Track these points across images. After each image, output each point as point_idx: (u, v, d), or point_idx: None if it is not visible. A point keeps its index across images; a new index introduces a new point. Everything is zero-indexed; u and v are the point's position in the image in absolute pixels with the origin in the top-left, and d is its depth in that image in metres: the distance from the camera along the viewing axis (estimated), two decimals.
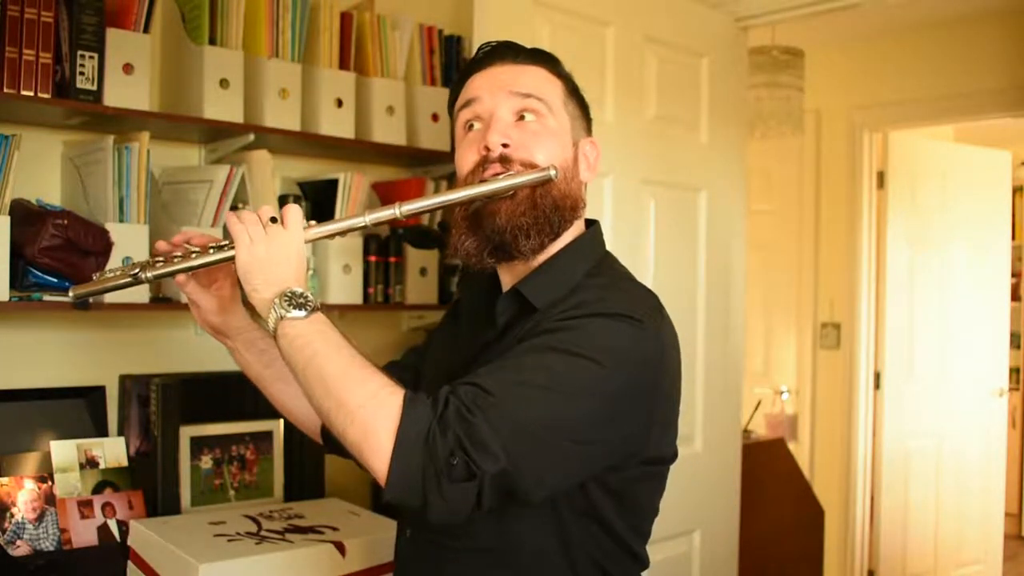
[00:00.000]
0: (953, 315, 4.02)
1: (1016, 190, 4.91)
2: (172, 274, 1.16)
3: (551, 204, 1.12)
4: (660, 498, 1.18)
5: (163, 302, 1.77)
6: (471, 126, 1.17)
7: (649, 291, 1.15)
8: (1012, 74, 3.44)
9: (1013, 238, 4.42)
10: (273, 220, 1.09)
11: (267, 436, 1.94)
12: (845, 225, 3.91)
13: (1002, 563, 4.22)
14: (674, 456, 1.16)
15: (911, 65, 3.71)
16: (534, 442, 0.96)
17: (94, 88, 1.64)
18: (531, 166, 1.12)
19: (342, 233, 1.15)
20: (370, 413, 0.95)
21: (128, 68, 1.69)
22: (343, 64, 2.02)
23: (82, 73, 1.62)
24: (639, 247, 2.31)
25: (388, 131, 2.09)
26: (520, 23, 2.03)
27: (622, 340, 1.03)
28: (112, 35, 1.67)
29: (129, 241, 1.67)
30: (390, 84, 2.10)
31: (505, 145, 1.12)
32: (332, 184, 2.00)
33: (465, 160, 1.15)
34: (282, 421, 1.96)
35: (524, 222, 1.11)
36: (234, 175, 1.80)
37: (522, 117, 1.14)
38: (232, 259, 1.09)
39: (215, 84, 1.81)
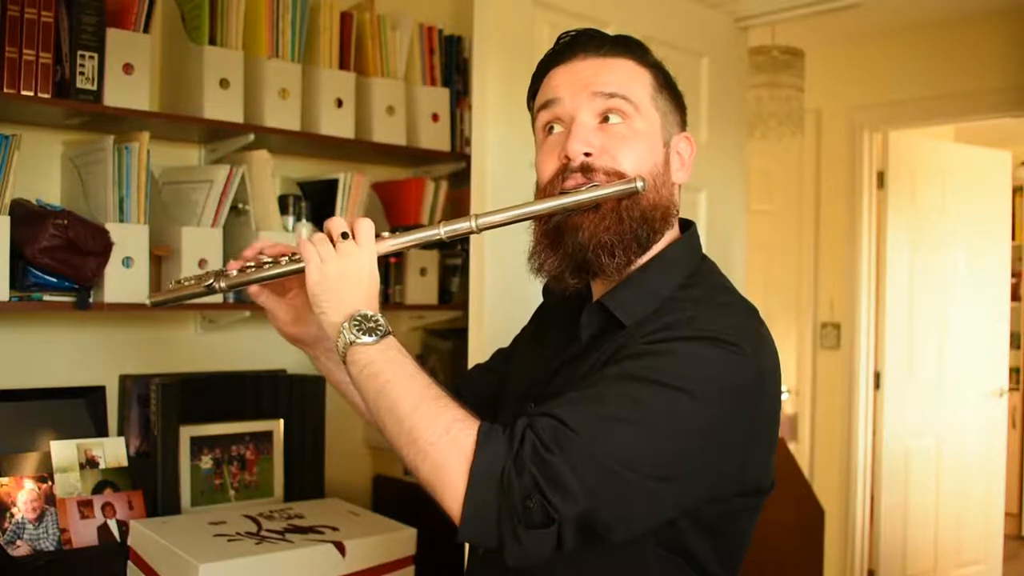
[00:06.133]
0: (953, 315, 4.01)
1: (1016, 190, 4.91)
2: (245, 284, 1.12)
3: (639, 217, 1.03)
4: (753, 529, 1.08)
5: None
6: (551, 128, 1.08)
7: (748, 307, 1.05)
8: (1012, 74, 3.43)
9: (1013, 238, 4.41)
10: (344, 236, 1.02)
11: (267, 436, 1.94)
12: (845, 225, 3.91)
13: (1002, 563, 4.21)
14: (772, 485, 1.05)
15: (911, 65, 3.71)
16: (618, 481, 0.88)
17: (94, 88, 1.64)
18: (616, 175, 1.02)
19: (416, 246, 1.08)
20: (443, 450, 0.89)
21: (128, 68, 1.69)
22: (343, 64, 2.03)
23: (82, 73, 1.62)
24: None
25: (388, 131, 2.09)
26: (520, 23, 2.03)
27: (715, 368, 0.93)
28: (112, 35, 1.67)
29: (129, 241, 1.67)
30: (390, 84, 2.10)
31: (587, 153, 1.03)
32: (332, 184, 2.00)
33: (545, 167, 1.07)
34: (282, 421, 1.96)
35: (608, 239, 1.02)
36: (234, 175, 1.80)
37: (606, 119, 1.05)
38: (303, 271, 1.04)
39: (215, 84, 1.81)
